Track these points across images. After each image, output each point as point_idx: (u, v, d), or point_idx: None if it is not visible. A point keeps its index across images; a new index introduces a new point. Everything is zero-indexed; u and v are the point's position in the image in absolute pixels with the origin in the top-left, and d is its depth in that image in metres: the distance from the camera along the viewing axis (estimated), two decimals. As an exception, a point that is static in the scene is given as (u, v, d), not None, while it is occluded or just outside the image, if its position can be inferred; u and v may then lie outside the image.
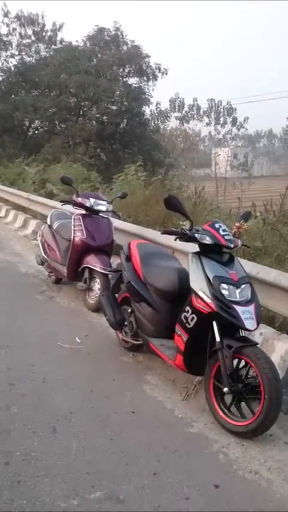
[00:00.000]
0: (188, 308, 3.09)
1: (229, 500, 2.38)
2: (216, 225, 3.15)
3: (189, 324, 3.07)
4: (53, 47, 26.56)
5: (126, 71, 25.89)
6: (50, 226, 5.83)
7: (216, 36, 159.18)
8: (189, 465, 2.63)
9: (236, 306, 2.88)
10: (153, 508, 2.30)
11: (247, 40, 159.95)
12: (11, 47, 26.28)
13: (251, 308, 2.93)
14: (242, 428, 2.84)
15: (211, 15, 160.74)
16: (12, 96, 24.88)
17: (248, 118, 55.35)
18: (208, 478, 2.53)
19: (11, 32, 26.26)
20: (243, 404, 2.94)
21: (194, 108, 54.94)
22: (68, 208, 6.13)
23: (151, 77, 25.60)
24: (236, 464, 2.65)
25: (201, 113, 55.63)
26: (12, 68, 25.62)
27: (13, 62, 26.05)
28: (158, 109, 33.84)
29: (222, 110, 55.37)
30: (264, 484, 2.51)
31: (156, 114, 35.10)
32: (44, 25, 26.71)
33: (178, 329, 3.18)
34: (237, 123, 55.36)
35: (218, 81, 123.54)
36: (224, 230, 3.12)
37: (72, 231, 5.12)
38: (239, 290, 2.96)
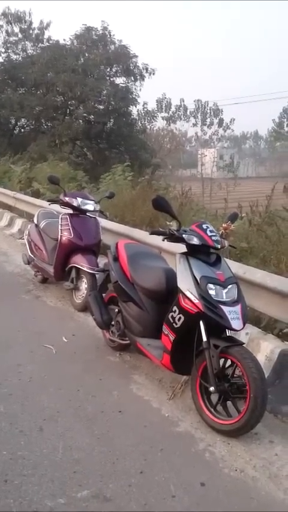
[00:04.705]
0: (175, 308, 3.11)
1: (215, 498, 2.41)
2: (204, 226, 3.18)
3: (176, 324, 3.09)
4: (40, 45, 26.32)
5: (114, 70, 25.82)
6: (36, 226, 5.81)
7: (209, 37, 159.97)
8: (175, 463, 2.65)
9: (222, 306, 2.90)
10: (140, 506, 2.32)
11: (236, 42, 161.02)
12: (-3, 44, 26.08)
13: (238, 308, 2.96)
14: (228, 427, 2.87)
15: (204, 16, 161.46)
16: (-2, 93, 24.67)
17: (234, 119, 55.60)
18: (194, 476, 2.56)
19: (-3, 29, 26.06)
20: (229, 403, 2.97)
21: (180, 108, 54.95)
22: (55, 207, 6.12)
23: (138, 77, 25.55)
24: (221, 462, 2.68)
25: (188, 113, 55.73)
26: (-2, 66, 25.41)
27: (-1, 59, 25.85)
28: (145, 109, 33.79)
29: (208, 111, 55.53)
30: (250, 481, 2.54)
31: (143, 114, 35.02)
32: (31, 23, 26.47)
33: (165, 329, 3.20)
34: (224, 125, 55.58)
35: (205, 83, 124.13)
36: (211, 231, 3.15)
37: (60, 231, 5.11)
38: (225, 290, 2.99)
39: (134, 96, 25.46)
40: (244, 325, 2.99)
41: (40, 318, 4.79)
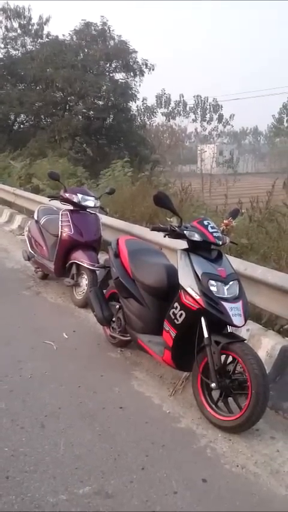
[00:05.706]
0: (176, 304, 3.10)
1: (216, 495, 2.41)
2: (205, 222, 3.17)
3: (177, 320, 3.09)
4: (39, 40, 26.29)
5: (113, 66, 25.79)
6: (37, 222, 5.80)
7: (209, 34, 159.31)
8: (177, 460, 2.65)
9: (224, 303, 2.90)
10: (142, 502, 2.32)
11: (237, 38, 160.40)
12: (-3, 40, 26.02)
13: (239, 304, 2.95)
14: (229, 423, 2.87)
15: (204, 13, 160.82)
16: (-2, 89, 24.62)
17: (233, 115, 55.64)
18: (196, 473, 2.56)
19: (-3, 25, 26.00)
20: (230, 399, 2.97)
21: (180, 104, 54.97)
22: (56, 203, 6.11)
23: (138, 73, 25.54)
24: (223, 458, 2.68)
25: (188, 109, 55.70)
26: (-2, 61, 25.34)
27: (-1, 55, 25.80)
28: (145, 105, 33.83)
29: (208, 107, 55.51)
30: (251, 477, 2.54)
31: (142, 110, 35.07)
32: (30, 18, 26.47)
33: (166, 325, 3.19)
34: (223, 120, 55.56)
35: (205, 78, 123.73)
36: (212, 227, 3.14)
37: (60, 227, 5.09)
38: (227, 287, 2.98)
39: (133, 92, 25.48)
40: (245, 322, 2.98)
41: (40, 315, 4.79)
